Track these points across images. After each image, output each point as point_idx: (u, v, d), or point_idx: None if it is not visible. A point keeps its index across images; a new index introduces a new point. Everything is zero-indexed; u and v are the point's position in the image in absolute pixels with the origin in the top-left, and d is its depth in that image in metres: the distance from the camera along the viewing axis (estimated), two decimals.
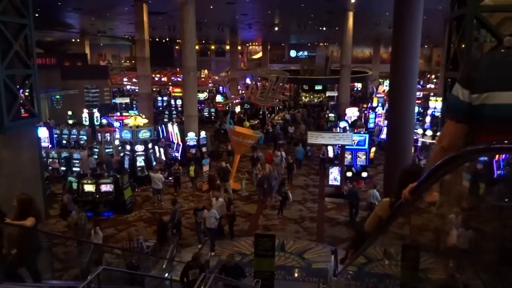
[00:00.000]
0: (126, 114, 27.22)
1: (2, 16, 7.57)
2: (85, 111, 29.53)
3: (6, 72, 7.67)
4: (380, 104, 32.31)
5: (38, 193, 8.99)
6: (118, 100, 34.94)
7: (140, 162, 18.30)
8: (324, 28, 38.65)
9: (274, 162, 18.45)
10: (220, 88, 44.51)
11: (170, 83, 46.64)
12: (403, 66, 12.28)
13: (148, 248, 10.80)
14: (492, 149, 1.36)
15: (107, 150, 20.62)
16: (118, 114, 28.69)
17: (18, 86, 8.22)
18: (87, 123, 28.26)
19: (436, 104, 28.62)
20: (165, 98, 40.35)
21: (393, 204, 2.41)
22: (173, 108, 36.20)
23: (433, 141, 18.85)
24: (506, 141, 1.23)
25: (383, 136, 22.18)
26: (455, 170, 1.52)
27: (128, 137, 18.61)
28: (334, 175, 16.54)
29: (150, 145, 18.99)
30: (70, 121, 30.18)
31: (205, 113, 34.23)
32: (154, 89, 42.07)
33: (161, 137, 22.94)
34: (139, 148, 18.34)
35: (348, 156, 18.11)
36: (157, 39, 47.27)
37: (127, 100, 35.84)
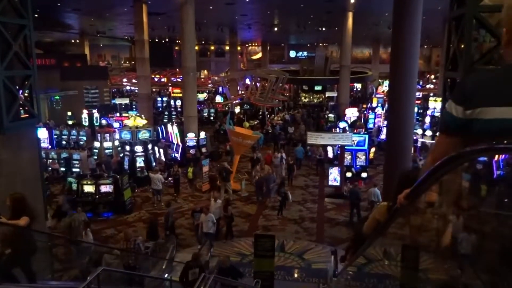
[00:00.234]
0: (126, 114, 27.22)
1: (1, 16, 7.56)
2: (85, 111, 29.54)
3: (6, 73, 7.66)
4: (379, 105, 32.32)
5: (38, 194, 8.97)
6: (118, 101, 34.98)
7: (140, 162, 18.30)
8: (324, 29, 38.68)
9: (274, 164, 18.39)
10: (220, 88, 44.52)
11: (169, 84, 46.66)
12: (403, 66, 12.28)
13: (148, 248, 10.80)
14: (491, 149, 1.37)
15: (106, 151, 20.62)
16: (118, 114, 28.69)
17: (17, 87, 8.20)
18: (87, 123, 28.27)
19: (435, 104, 28.65)
20: (164, 99, 40.36)
21: (391, 208, 2.43)
22: (172, 109, 36.21)
23: (433, 141, 18.87)
24: (506, 141, 1.24)
25: (383, 136, 22.19)
26: (454, 171, 1.53)
27: (127, 138, 18.62)
28: (334, 176, 16.55)
29: (149, 146, 18.98)
30: (70, 122, 30.20)
31: (204, 114, 34.23)
32: (154, 89, 42.09)
33: (160, 137, 22.94)
34: (139, 148, 18.34)
35: (347, 157, 18.12)
36: (156, 40, 47.29)
37: (126, 100, 35.86)
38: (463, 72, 6.91)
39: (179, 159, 20.80)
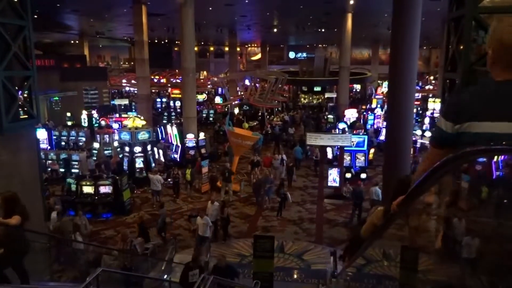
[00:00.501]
0: (125, 115, 27.21)
1: (0, 17, 7.56)
2: (84, 112, 29.53)
3: (5, 74, 7.66)
4: (379, 106, 32.36)
5: (37, 195, 8.97)
6: (117, 102, 34.97)
7: (139, 163, 18.30)
8: (323, 30, 38.71)
9: (274, 166, 18.29)
10: (219, 89, 44.53)
11: (169, 85, 46.66)
12: (402, 67, 12.30)
13: (147, 249, 10.79)
14: (491, 150, 1.39)
15: (106, 152, 20.61)
16: (117, 115, 28.68)
17: (17, 88, 8.21)
18: (86, 124, 28.26)
19: (434, 105, 28.68)
20: (164, 100, 40.37)
21: (387, 212, 2.49)
22: (172, 110, 36.20)
23: None
24: (504, 143, 1.28)
25: (382, 137, 22.21)
26: (452, 172, 1.59)
27: (127, 139, 18.61)
28: (333, 177, 16.55)
29: (149, 147, 18.97)
30: (69, 123, 30.19)
31: (204, 115, 34.24)
32: (153, 90, 42.09)
33: (160, 138, 22.93)
34: (138, 149, 18.33)
35: (347, 158, 18.13)
36: (156, 41, 47.28)
37: (126, 101, 35.87)
38: (462, 73, 6.93)
39: (178, 160, 20.81)
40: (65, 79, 31.40)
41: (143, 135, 18.72)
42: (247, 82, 42.00)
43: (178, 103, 34.92)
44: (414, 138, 18.21)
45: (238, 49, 49.27)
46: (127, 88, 48.26)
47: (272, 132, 27.23)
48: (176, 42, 46.53)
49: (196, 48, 36.82)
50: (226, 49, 54.55)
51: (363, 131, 23.36)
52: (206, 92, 46.75)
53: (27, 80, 8.35)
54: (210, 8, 26.78)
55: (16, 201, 5.18)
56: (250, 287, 8.50)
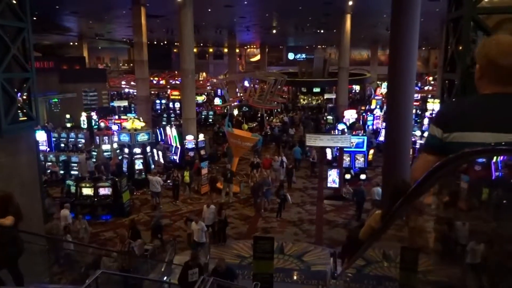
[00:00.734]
0: (124, 117, 27.20)
1: (0, 19, 7.57)
2: (84, 114, 29.51)
3: (4, 76, 7.65)
4: (378, 106, 32.37)
5: (36, 197, 8.95)
6: (117, 103, 34.92)
7: (139, 165, 18.29)
8: (322, 31, 38.74)
9: (274, 168, 18.22)
10: (218, 91, 44.53)
11: (168, 86, 46.65)
12: (401, 68, 12.30)
13: (147, 251, 10.77)
14: (490, 151, 1.39)
15: (105, 154, 20.60)
16: (116, 117, 28.67)
17: (16, 90, 8.20)
18: (85, 126, 28.25)
19: (434, 106, 28.69)
20: (163, 101, 40.38)
21: (385, 216, 2.53)
22: (171, 111, 36.21)
23: None
24: (503, 143, 1.28)
25: (381, 138, 22.21)
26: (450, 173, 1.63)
27: (126, 140, 18.60)
28: (333, 178, 16.55)
29: (148, 148, 18.97)
30: (68, 125, 30.17)
31: (203, 116, 34.24)
32: (153, 92, 42.08)
33: (159, 140, 22.92)
34: (137, 151, 18.32)
35: (346, 159, 18.13)
36: (155, 42, 47.28)
37: (125, 103, 35.85)
38: (461, 74, 6.93)
39: (178, 161, 20.80)
40: (64, 81, 31.40)
41: (142, 137, 18.72)
42: (246, 83, 42.00)
43: (177, 105, 34.94)
44: (413, 139, 18.21)
45: (237, 50, 49.27)
46: (127, 90, 48.25)
47: (272, 133, 27.25)
48: (175, 43, 46.55)
49: (195, 50, 36.88)
50: (225, 50, 54.59)
51: (362, 132, 23.39)
52: (206, 93, 46.78)
53: (26, 82, 8.35)
54: (209, 10, 26.80)
55: (9, 201, 5.05)
56: None
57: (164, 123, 29.90)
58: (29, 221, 7.89)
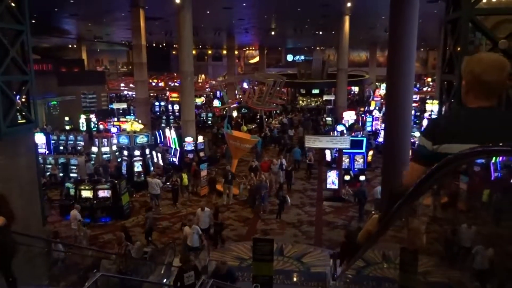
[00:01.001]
0: (124, 119, 27.18)
1: None
2: (83, 116, 29.49)
3: (3, 78, 7.65)
4: (377, 108, 32.39)
5: (35, 199, 8.95)
6: (116, 106, 34.84)
7: (138, 167, 18.26)
8: (321, 32, 38.79)
9: (272, 171, 18.08)
10: (217, 92, 44.51)
11: (167, 88, 46.62)
12: (400, 69, 12.32)
13: (146, 253, 10.75)
14: (490, 152, 1.41)
15: (104, 156, 20.58)
16: (116, 119, 28.65)
17: (14, 92, 8.20)
18: (84, 128, 28.22)
19: (432, 107, 28.70)
20: (162, 103, 40.33)
21: (382, 219, 2.64)
22: (170, 113, 36.20)
23: None
24: (501, 144, 1.32)
25: (381, 139, 22.22)
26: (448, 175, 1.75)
27: (125, 143, 18.58)
28: (332, 179, 16.54)
29: (147, 151, 18.95)
30: (67, 127, 30.14)
31: (202, 118, 34.22)
32: (151, 94, 42.03)
33: (158, 142, 22.91)
34: (137, 153, 18.30)
35: (345, 160, 18.12)
36: (154, 44, 47.30)
37: (124, 105, 35.76)
38: (460, 75, 6.94)
39: (177, 163, 20.78)
40: (63, 83, 31.37)
41: (141, 139, 18.71)
42: (245, 85, 42.00)
43: (176, 107, 34.93)
44: (412, 140, 18.21)
45: (236, 52, 49.31)
46: (126, 92, 48.24)
47: (271, 134, 27.26)
48: (174, 45, 46.54)
49: (194, 52, 36.89)
50: (224, 52, 54.61)
51: (361, 133, 23.40)
52: (205, 95, 46.77)
53: (25, 85, 8.35)
54: (208, 12, 26.81)
55: (1, 202, 4.96)
56: None
57: (163, 125, 29.90)
58: (27, 223, 7.89)
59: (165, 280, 9.48)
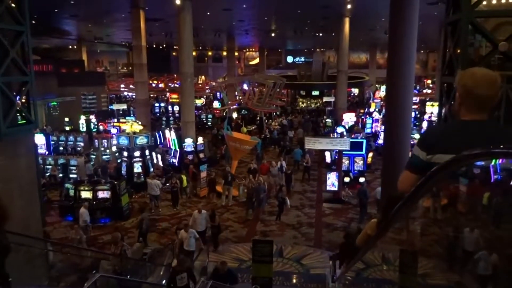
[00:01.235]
0: (123, 120, 27.18)
1: None
2: (82, 117, 29.48)
3: (3, 79, 7.65)
4: (377, 109, 32.41)
5: (35, 200, 8.93)
6: (115, 107, 34.90)
7: (137, 168, 18.26)
8: (321, 34, 38.85)
9: (272, 173, 18.02)
10: (217, 94, 44.52)
11: (167, 89, 46.66)
12: (400, 71, 12.33)
13: (146, 254, 10.74)
14: (489, 154, 1.40)
15: (104, 157, 20.57)
16: (115, 120, 28.66)
17: (14, 93, 8.20)
18: (84, 129, 28.22)
19: (432, 109, 28.68)
20: (162, 104, 40.35)
21: (380, 223, 2.68)
22: (170, 114, 36.20)
23: None
24: (502, 146, 1.32)
25: (380, 141, 22.23)
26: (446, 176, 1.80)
27: (125, 144, 18.58)
28: (332, 181, 16.54)
29: (147, 152, 18.94)
30: (67, 128, 30.14)
31: (202, 119, 34.22)
32: (151, 95, 42.07)
33: (158, 143, 22.91)
34: (137, 154, 18.29)
35: (345, 162, 18.11)
36: (154, 46, 47.35)
37: (124, 106, 35.81)
38: None
39: (177, 164, 20.77)
40: (63, 84, 31.40)
41: (141, 140, 18.70)
42: (245, 86, 42.04)
43: (176, 108, 34.93)
44: (412, 142, 18.21)
45: (236, 53, 49.36)
46: (126, 93, 48.27)
47: (271, 136, 27.26)
48: (174, 47, 46.59)
49: (194, 53, 36.92)
50: (224, 53, 54.66)
51: (361, 135, 23.40)
52: (205, 96, 46.78)
53: (25, 86, 8.35)
54: (208, 13, 26.84)
55: None
56: None
57: (163, 126, 29.90)
58: (27, 223, 7.89)
59: (164, 282, 9.46)
